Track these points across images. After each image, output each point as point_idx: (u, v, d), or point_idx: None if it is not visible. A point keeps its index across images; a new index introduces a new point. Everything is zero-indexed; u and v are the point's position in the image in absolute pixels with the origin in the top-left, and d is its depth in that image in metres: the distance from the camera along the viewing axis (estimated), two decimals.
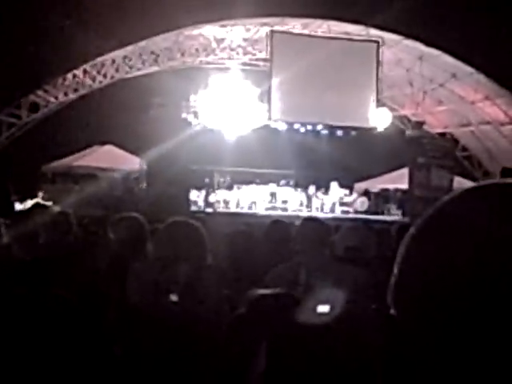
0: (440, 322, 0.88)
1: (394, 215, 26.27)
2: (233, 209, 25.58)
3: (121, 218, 5.43)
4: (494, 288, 0.85)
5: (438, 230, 0.93)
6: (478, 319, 0.85)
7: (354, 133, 26.15)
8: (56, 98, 27.39)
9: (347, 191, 27.90)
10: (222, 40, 27.22)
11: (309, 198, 26.82)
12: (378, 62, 26.16)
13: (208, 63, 28.51)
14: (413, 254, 0.95)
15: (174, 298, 2.98)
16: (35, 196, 23.26)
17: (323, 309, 3.17)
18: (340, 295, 3.00)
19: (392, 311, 0.96)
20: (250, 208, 25.72)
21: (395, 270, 0.96)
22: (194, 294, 2.98)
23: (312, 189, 27.00)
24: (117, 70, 27.62)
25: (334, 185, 27.09)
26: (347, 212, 26.72)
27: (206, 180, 26.11)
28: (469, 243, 0.88)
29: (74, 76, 26.76)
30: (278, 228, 5.69)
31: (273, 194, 26.71)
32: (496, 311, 0.84)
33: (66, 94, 27.57)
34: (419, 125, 27.83)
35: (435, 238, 0.92)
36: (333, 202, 26.87)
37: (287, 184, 27.55)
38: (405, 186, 26.56)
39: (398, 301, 0.95)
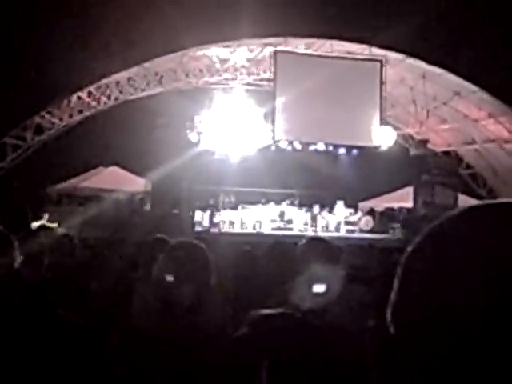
0: (438, 341, 0.88)
1: (399, 234, 26.19)
2: (238, 229, 25.50)
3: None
4: (493, 306, 0.84)
5: (435, 248, 0.93)
6: (476, 338, 0.85)
7: (357, 152, 26.12)
8: (61, 119, 27.52)
9: (352, 210, 27.84)
10: (226, 61, 27.34)
11: (313, 218, 26.73)
12: (382, 81, 26.22)
13: (212, 84, 28.63)
14: (411, 272, 0.94)
15: (169, 278, 2.98)
16: (40, 218, 23.25)
17: (319, 288, 3.17)
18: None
19: (391, 329, 0.95)
20: (254, 228, 25.65)
21: (394, 288, 0.96)
22: (198, 314, 2.98)
23: (317, 208, 26.92)
24: (121, 92, 27.77)
25: (339, 204, 27.04)
26: (352, 231, 26.65)
27: (211, 200, 26.05)
28: (466, 261, 0.88)
29: (79, 98, 26.90)
30: (280, 248, 5.68)
31: (282, 214, 26.65)
32: (494, 330, 0.84)
33: (70, 116, 27.70)
34: (423, 143, 27.84)
35: (433, 256, 0.92)
36: (338, 222, 26.78)
37: (292, 203, 27.48)
38: (409, 204, 26.57)
39: (396, 319, 0.95)
